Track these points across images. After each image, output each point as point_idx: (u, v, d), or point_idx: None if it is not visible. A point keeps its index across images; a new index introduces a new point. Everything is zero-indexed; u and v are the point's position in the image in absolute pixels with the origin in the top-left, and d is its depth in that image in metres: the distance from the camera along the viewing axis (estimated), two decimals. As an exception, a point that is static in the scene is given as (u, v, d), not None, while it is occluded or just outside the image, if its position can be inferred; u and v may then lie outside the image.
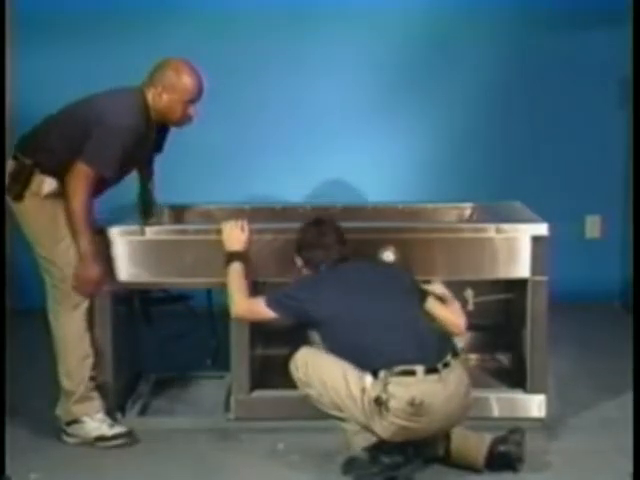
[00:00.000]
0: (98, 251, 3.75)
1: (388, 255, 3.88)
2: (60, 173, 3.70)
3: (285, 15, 5.56)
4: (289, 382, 3.96)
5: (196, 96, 3.85)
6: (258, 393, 4.03)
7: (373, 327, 3.51)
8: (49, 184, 3.72)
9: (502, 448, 3.52)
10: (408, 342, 3.47)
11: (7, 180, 3.75)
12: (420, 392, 3.38)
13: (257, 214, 4.47)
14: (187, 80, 3.82)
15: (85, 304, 3.79)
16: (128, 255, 3.92)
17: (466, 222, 4.49)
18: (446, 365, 3.45)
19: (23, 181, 3.72)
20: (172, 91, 3.79)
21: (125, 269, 3.92)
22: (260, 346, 4.35)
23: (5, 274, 3.79)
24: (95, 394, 3.85)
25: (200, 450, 3.81)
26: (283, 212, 4.51)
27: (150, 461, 3.73)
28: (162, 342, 4.54)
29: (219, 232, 3.89)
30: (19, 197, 3.74)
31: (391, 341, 3.47)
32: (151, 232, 3.94)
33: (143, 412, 4.13)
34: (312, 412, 3.77)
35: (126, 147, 3.69)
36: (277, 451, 3.78)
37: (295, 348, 3.76)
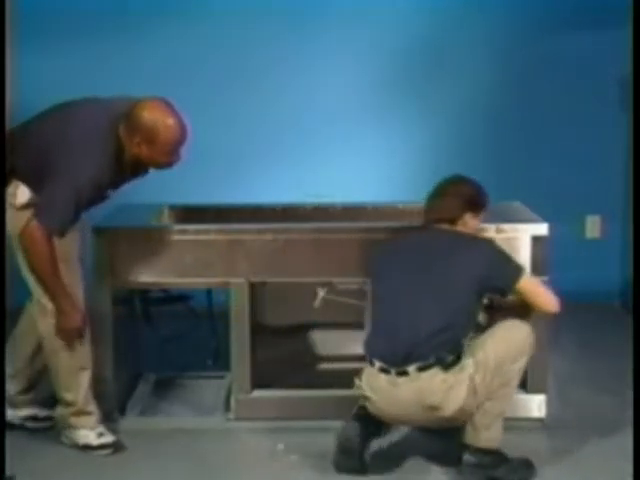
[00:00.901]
0: (71, 298, 3.58)
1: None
2: (33, 183, 3.54)
3: (285, 20, 5.56)
4: (289, 382, 3.97)
5: (179, 144, 3.55)
6: (258, 393, 4.03)
7: (386, 316, 3.54)
8: (22, 192, 3.57)
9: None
10: (391, 338, 3.48)
11: None
12: (370, 386, 3.49)
13: (257, 214, 4.47)
14: (168, 132, 3.50)
15: None
16: (128, 255, 3.92)
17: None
18: (403, 373, 3.43)
19: None
20: (152, 143, 3.50)
21: (125, 269, 3.92)
22: (260, 346, 4.35)
23: (5, 274, 3.77)
24: (93, 407, 3.77)
25: (200, 450, 3.81)
26: (283, 212, 4.51)
27: (150, 461, 3.73)
28: (162, 342, 4.54)
29: (218, 233, 3.91)
30: None
31: (384, 333, 3.52)
32: (151, 232, 3.94)
33: (143, 412, 4.13)
34: (312, 412, 3.78)
35: (88, 196, 3.50)
36: (277, 451, 3.78)
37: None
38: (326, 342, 4.41)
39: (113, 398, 3.98)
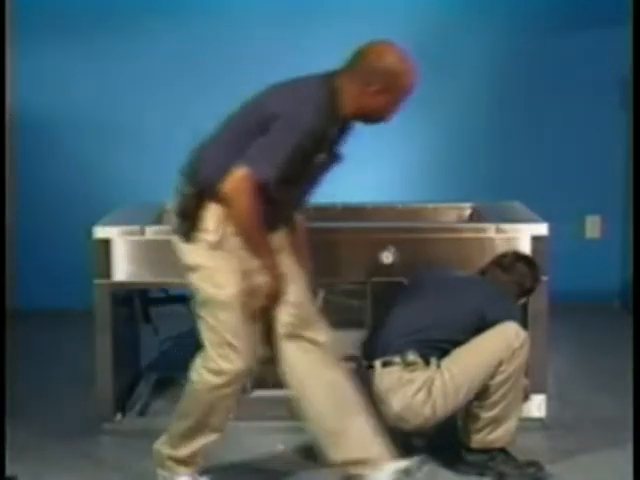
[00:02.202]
0: (275, 260, 3.22)
1: (388, 255, 3.88)
2: None
3: (283, 18, 5.57)
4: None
5: (414, 90, 3.22)
6: (258, 393, 4.03)
7: (390, 321, 3.59)
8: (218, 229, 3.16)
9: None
10: (378, 335, 3.56)
11: (176, 220, 3.29)
12: None
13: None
14: (409, 78, 3.17)
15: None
16: (128, 255, 3.92)
17: (466, 222, 4.49)
18: (370, 367, 3.50)
19: (191, 217, 3.19)
20: (390, 92, 3.16)
21: (125, 269, 3.92)
22: (260, 346, 4.34)
23: (5, 274, 3.77)
24: (198, 460, 3.42)
25: (200, 450, 3.80)
26: (283, 212, 4.50)
27: (150, 461, 3.71)
28: (162, 342, 4.54)
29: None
30: (187, 238, 3.23)
31: (376, 331, 3.61)
32: (151, 232, 3.94)
33: (143, 412, 4.13)
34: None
35: (301, 149, 3.09)
36: (277, 451, 3.78)
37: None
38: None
39: (113, 398, 3.97)
